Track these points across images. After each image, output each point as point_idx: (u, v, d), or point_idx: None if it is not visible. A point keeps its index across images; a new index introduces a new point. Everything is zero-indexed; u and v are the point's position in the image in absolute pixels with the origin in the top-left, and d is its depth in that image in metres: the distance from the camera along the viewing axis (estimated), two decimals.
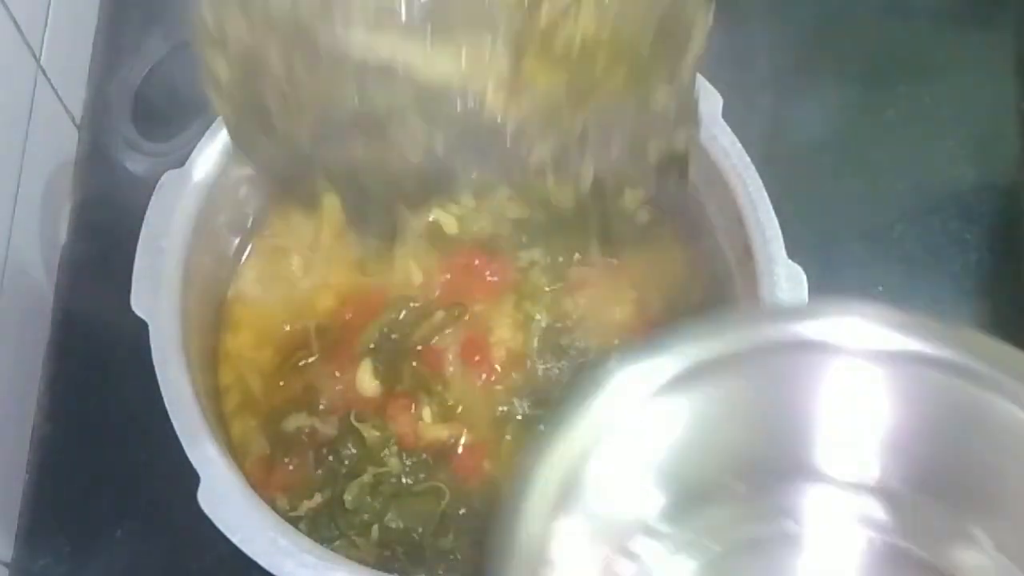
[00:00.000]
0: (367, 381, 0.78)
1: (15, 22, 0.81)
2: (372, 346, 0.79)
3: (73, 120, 0.92)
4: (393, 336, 0.79)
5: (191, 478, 0.68)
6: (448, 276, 0.82)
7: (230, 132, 0.72)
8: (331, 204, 0.83)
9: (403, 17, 0.62)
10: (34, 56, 0.84)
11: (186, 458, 0.69)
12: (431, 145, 0.68)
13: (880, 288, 0.88)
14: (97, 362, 0.87)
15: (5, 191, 0.81)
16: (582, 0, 0.63)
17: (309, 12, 0.62)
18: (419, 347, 0.80)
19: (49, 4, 0.87)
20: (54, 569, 0.82)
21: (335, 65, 0.64)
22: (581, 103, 0.66)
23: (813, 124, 0.91)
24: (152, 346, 0.70)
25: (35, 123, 0.84)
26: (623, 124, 0.67)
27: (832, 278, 0.86)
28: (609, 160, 0.69)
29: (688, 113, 0.70)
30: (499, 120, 0.66)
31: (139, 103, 0.79)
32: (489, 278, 0.82)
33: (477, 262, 0.82)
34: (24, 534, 0.83)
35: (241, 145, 0.72)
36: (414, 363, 0.79)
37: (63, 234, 0.90)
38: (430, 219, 0.82)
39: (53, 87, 0.88)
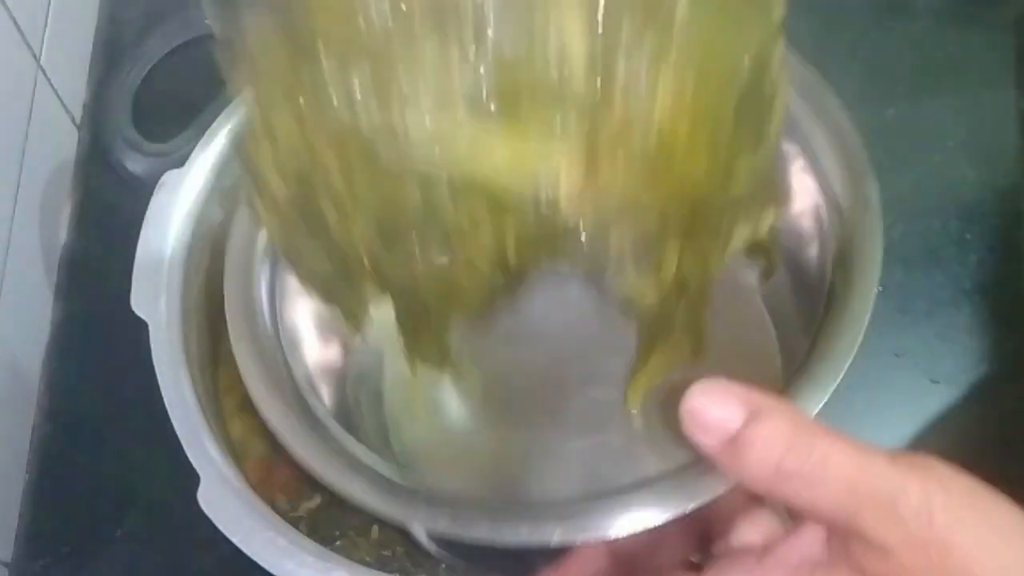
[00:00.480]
0: None
1: (15, 22, 0.80)
2: None
3: (73, 120, 0.92)
4: None
5: (191, 478, 0.68)
6: None
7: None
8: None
9: (469, 113, 0.56)
10: (34, 56, 0.84)
11: (186, 458, 0.69)
12: (501, 255, 0.62)
13: (880, 288, 0.88)
14: (97, 362, 0.87)
15: (5, 191, 0.81)
16: (656, 92, 0.57)
17: (370, 125, 0.56)
18: None
19: (49, 4, 0.87)
20: (54, 569, 0.82)
21: (399, 179, 0.58)
22: (660, 191, 0.61)
23: None
24: (152, 346, 0.70)
25: (35, 123, 0.84)
26: (706, 203, 0.62)
27: None
28: (692, 246, 0.63)
29: (772, 190, 0.65)
30: (575, 220, 0.60)
31: (139, 103, 0.79)
32: None
33: None
34: (24, 534, 0.83)
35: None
36: None
37: (63, 234, 0.90)
38: None
39: (53, 87, 0.88)
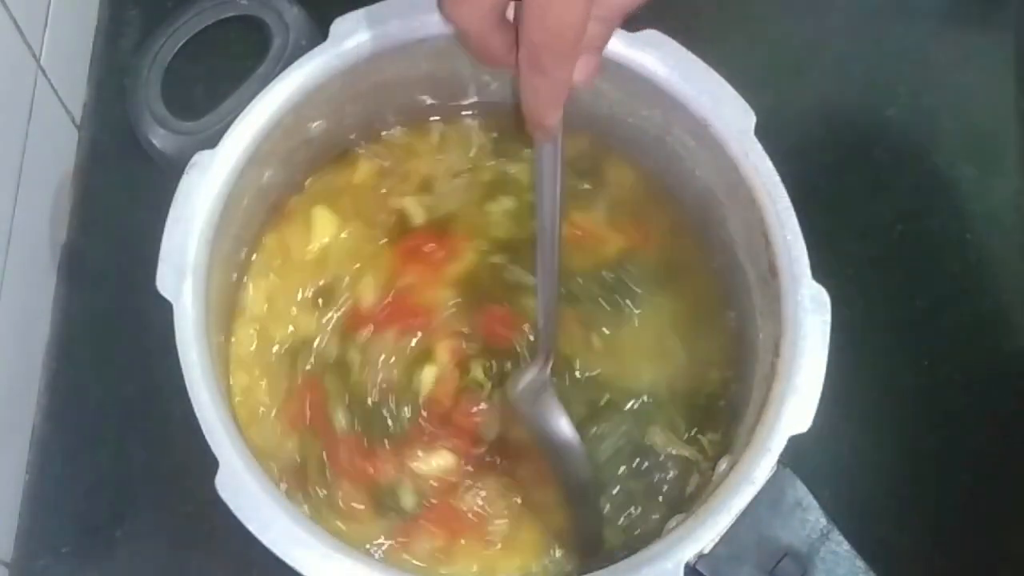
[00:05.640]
0: None
1: (15, 22, 0.80)
2: None
3: (73, 120, 0.91)
4: None
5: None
6: None
7: None
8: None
9: None
10: (34, 56, 0.84)
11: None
12: None
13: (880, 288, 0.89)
14: (97, 362, 0.86)
15: (5, 191, 0.80)
16: None
17: None
18: None
19: (49, 4, 0.87)
20: (54, 569, 0.82)
21: None
22: None
23: (812, 124, 0.93)
24: (176, 328, 0.68)
25: (35, 123, 0.84)
26: None
27: (831, 278, 0.86)
28: None
29: None
30: None
31: (169, 80, 0.78)
32: None
33: None
34: (24, 534, 0.83)
35: None
36: None
37: (63, 234, 0.90)
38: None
39: (53, 87, 0.87)
